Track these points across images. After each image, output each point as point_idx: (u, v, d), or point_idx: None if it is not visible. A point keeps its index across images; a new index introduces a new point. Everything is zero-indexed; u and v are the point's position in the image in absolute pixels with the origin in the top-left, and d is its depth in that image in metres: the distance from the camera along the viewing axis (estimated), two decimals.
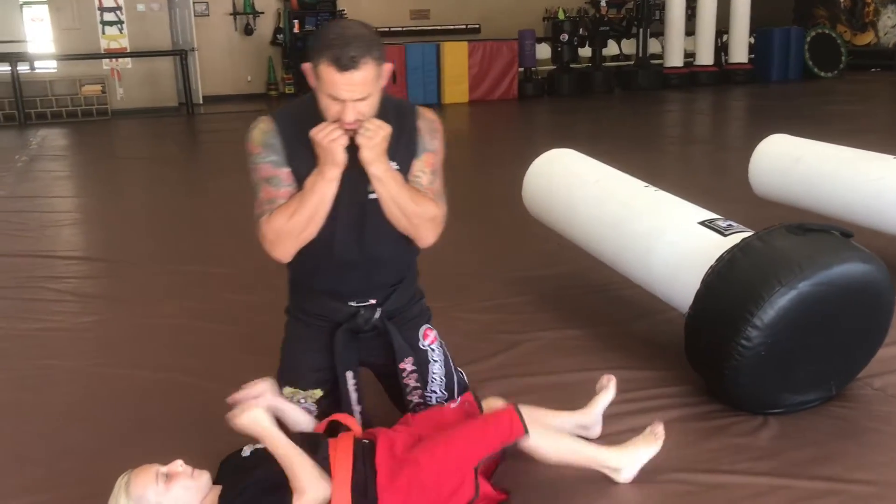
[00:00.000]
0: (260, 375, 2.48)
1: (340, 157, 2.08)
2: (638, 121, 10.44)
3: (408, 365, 2.37)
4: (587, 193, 3.51)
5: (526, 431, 2.12)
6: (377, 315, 2.35)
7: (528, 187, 3.89)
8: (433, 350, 2.44)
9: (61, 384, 3.04)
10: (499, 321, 3.52)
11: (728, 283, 2.63)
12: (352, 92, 2.00)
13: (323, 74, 2.00)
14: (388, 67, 2.09)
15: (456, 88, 12.31)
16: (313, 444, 2.07)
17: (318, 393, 2.36)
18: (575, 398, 2.79)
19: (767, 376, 2.57)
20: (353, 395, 2.34)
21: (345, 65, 1.96)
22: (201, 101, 12.74)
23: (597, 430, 2.52)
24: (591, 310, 3.64)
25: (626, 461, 2.26)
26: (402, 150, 2.24)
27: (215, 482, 2.03)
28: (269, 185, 2.17)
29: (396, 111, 2.23)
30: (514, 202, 4.43)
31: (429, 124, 2.29)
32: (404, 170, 2.25)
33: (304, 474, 1.97)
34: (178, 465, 2.01)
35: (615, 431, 2.58)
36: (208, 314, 3.66)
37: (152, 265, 4.54)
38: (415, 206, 2.21)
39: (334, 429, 2.25)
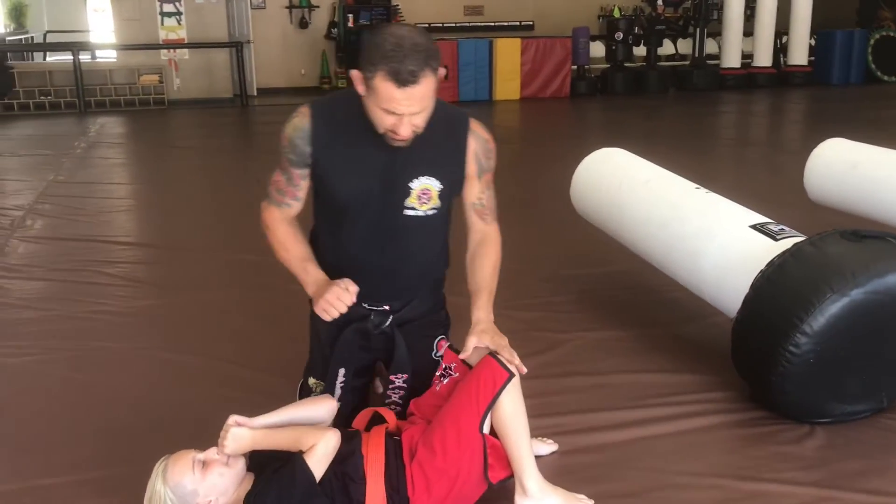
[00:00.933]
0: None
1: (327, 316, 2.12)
2: (692, 122, 10.29)
3: (398, 380, 2.33)
4: (637, 193, 3.47)
5: (510, 373, 2.12)
6: (388, 322, 2.33)
7: (577, 185, 3.87)
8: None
9: (110, 366, 3.11)
10: (542, 319, 3.50)
11: (778, 289, 2.58)
12: (410, 106, 1.94)
13: (379, 88, 1.92)
14: (441, 73, 2.02)
15: (508, 85, 12.26)
16: (347, 438, 2.10)
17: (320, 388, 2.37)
18: (617, 400, 2.78)
19: (815, 385, 2.52)
20: (337, 392, 2.31)
21: (404, 79, 1.88)
22: (255, 93, 12.90)
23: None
24: (636, 311, 3.60)
25: (538, 495, 2.12)
26: (447, 166, 2.21)
27: (249, 469, 2.05)
28: (282, 175, 2.26)
29: (447, 124, 2.17)
30: (562, 200, 4.40)
31: (483, 144, 2.26)
32: (448, 185, 2.22)
33: (308, 438, 2.01)
34: (214, 453, 2.04)
35: (657, 434, 2.56)
36: (256, 303, 3.71)
37: (204, 253, 4.62)
38: (499, 261, 2.36)
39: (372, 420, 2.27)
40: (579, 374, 2.98)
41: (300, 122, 2.17)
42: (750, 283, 2.66)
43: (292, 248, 2.24)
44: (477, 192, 2.28)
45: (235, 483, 1.99)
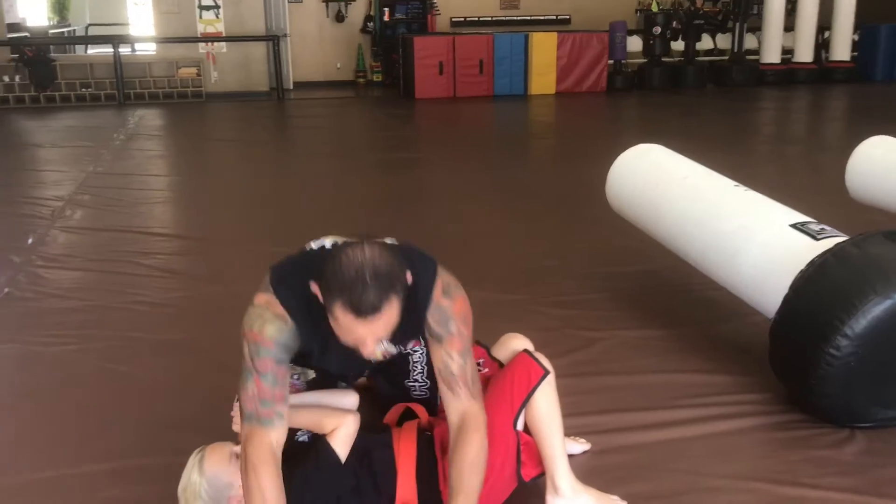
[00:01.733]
0: None
1: None
2: (730, 118, 10.15)
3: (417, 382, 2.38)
4: (674, 190, 3.42)
5: (545, 370, 2.10)
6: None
7: (613, 182, 3.82)
8: (415, 350, 2.35)
9: (147, 356, 3.14)
10: (576, 317, 3.47)
11: (818, 289, 2.53)
12: (373, 334, 1.78)
13: (339, 317, 1.75)
14: (409, 279, 1.82)
15: (543, 80, 12.18)
16: (379, 433, 2.10)
17: (311, 374, 2.34)
18: (651, 400, 2.74)
19: (856, 388, 2.46)
20: None
21: (364, 311, 1.72)
22: (291, 87, 12.98)
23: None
24: (672, 310, 3.55)
25: (570, 494, 2.10)
26: (403, 336, 1.99)
27: None
28: (261, 379, 1.88)
29: (407, 303, 1.85)
30: (597, 197, 4.36)
31: (441, 314, 1.96)
32: (406, 348, 2.16)
33: (330, 421, 2.02)
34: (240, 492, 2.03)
35: (692, 435, 2.53)
36: None
37: (239, 245, 4.65)
38: (483, 462, 1.95)
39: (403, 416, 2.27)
40: (613, 374, 2.95)
41: (283, 324, 1.90)
42: (789, 284, 2.61)
43: (271, 500, 1.83)
44: (442, 355, 1.96)
45: None
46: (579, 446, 2.44)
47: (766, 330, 2.75)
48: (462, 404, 1.95)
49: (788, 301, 2.60)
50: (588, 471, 2.29)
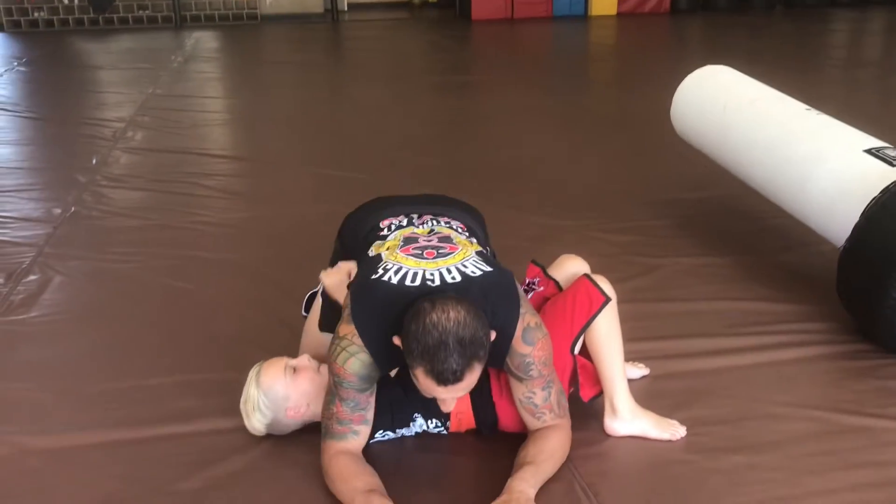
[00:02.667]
0: None
1: None
2: (800, 40, 9.74)
3: None
4: (742, 114, 3.30)
5: (606, 297, 2.09)
6: None
7: (678, 106, 3.71)
8: None
9: (208, 275, 3.20)
10: (637, 243, 3.42)
11: (892, 217, 2.45)
12: (455, 394, 1.80)
13: (420, 379, 1.77)
14: (491, 337, 1.81)
15: (604, 0, 11.80)
16: None
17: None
18: (712, 327, 2.71)
19: None
20: None
21: (446, 379, 1.73)
22: (346, 8, 12.81)
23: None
24: (736, 237, 3.48)
25: (628, 416, 2.12)
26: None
27: None
28: (342, 404, 1.92)
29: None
30: (660, 122, 4.25)
31: (520, 360, 1.92)
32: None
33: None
34: (306, 359, 2.10)
35: (754, 363, 2.50)
36: (344, 216, 3.73)
37: (296, 167, 4.67)
38: (562, 457, 1.99)
39: None
40: (674, 300, 2.91)
41: (366, 358, 1.88)
42: (861, 211, 2.53)
43: (353, 478, 1.87)
44: (524, 391, 1.97)
45: (323, 391, 2.04)
46: (638, 370, 2.43)
47: (833, 259, 2.68)
48: (548, 423, 2.00)
49: (860, 229, 2.52)
50: (647, 395, 2.28)
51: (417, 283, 1.86)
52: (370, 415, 1.97)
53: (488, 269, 1.94)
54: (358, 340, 1.87)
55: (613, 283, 2.17)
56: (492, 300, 1.87)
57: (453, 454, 2.11)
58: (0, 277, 3.16)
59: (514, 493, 1.81)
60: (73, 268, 3.27)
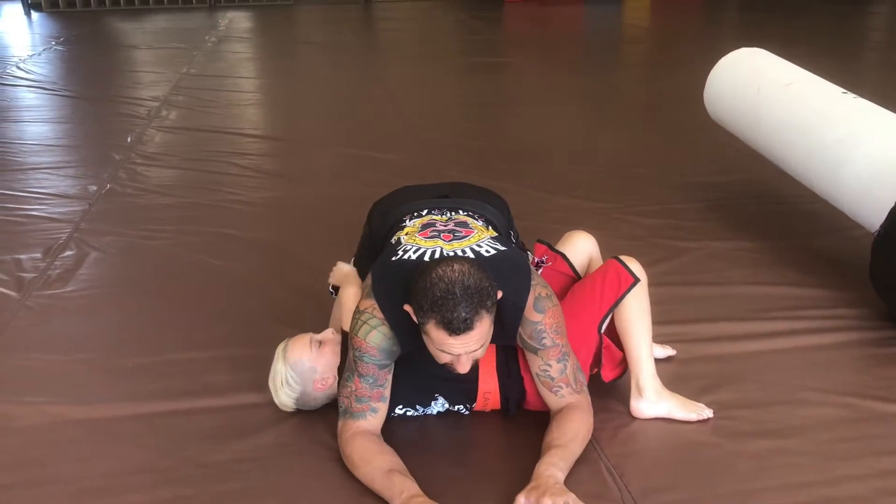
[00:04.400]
0: None
1: None
2: (838, 23, 9.55)
3: None
4: (777, 96, 3.26)
5: (635, 278, 2.10)
6: None
7: (712, 87, 3.67)
8: None
9: (241, 253, 3.24)
10: (666, 226, 3.41)
11: None
12: (466, 347, 1.81)
13: (432, 334, 1.79)
14: (498, 294, 1.84)
15: None
16: None
17: None
18: (741, 311, 2.70)
19: None
20: None
21: (457, 328, 1.75)
22: None
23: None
24: (767, 221, 3.45)
25: (654, 397, 2.12)
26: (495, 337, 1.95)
27: None
28: (361, 380, 1.95)
29: (498, 315, 1.88)
30: (693, 104, 4.21)
31: (532, 328, 1.95)
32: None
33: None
34: (330, 333, 2.14)
35: (783, 348, 2.48)
36: (374, 196, 3.75)
37: (328, 146, 4.69)
38: (586, 436, 1.97)
39: None
40: (703, 284, 2.90)
41: (387, 331, 1.92)
42: None
43: (374, 459, 1.88)
44: (539, 364, 1.99)
45: None
46: (664, 350, 2.43)
47: (866, 244, 2.65)
48: (566, 399, 1.99)
49: (894, 214, 2.49)
50: (674, 378, 2.28)
51: (431, 257, 1.92)
52: (388, 392, 1.99)
53: (502, 248, 2.00)
54: (379, 314, 1.92)
55: (641, 266, 2.17)
56: (503, 275, 1.90)
57: (476, 430, 2.13)
58: (38, 252, 3.22)
59: (543, 478, 1.80)
60: (108, 244, 3.33)
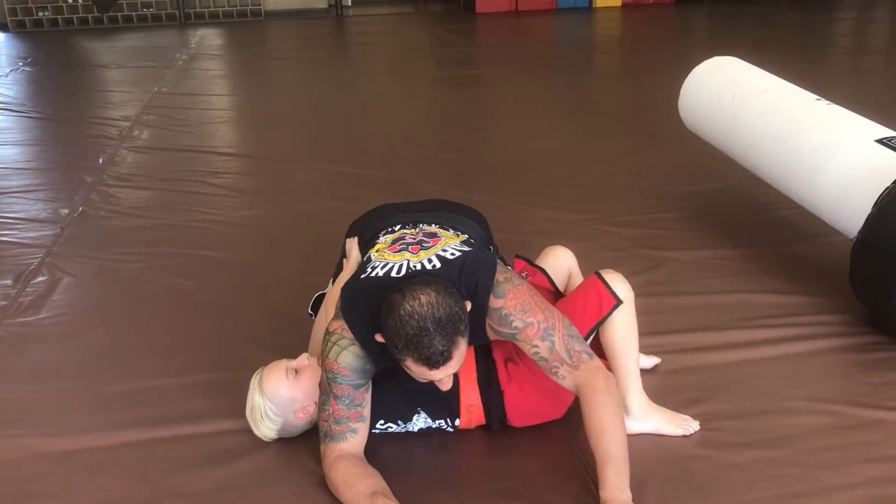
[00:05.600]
0: None
1: None
2: (806, 29, 9.67)
3: None
4: (751, 105, 3.27)
5: (617, 300, 2.05)
6: None
7: (687, 96, 3.68)
8: None
9: (215, 275, 3.19)
10: (646, 236, 3.40)
11: None
12: (447, 372, 1.81)
13: (412, 368, 1.80)
14: (467, 308, 1.83)
15: None
16: None
17: None
18: (724, 320, 2.69)
19: None
20: None
21: (436, 362, 1.75)
22: (350, 3, 12.79)
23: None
24: (746, 229, 3.45)
25: (641, 415, 2.10)
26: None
27: None
28: (337, 402, 1.91)
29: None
30: (668, 113, 4.23)
31: (498, 315, 1.90)
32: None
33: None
34: (305, 358, 2.09)
35: (766, 356, 2.48)
36: (352, 213, 3.72)
37: (303, 164, 4.65)
38: (616, 424, 1.84)
39: None
40: (685, 294, 2.89)
41: (359, 352, 1.90)
42: (873, 202, 2.50)
43: (357, 482, 1.83)
44: (526, 348, 1.92)
45: None
46: (649, 360, 2.42)
47: (845, 250, 2.66)
48: (568, 380, 1.90)
49: (872, 220, 2.50)
50: (660, 390, 2.27)
51: (402, 273, 1.91)
52: (367, 412, 1.95)
53: (467, 249, 2.00)
54: (348, 334, 1.90)
55: (626, 280, 2.14)
56: (465, 274, 1.90)
57: (462, 451, 2.10)
58: (8, 279, 3.16)
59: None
60: (81, 268, 3.26)
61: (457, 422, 2.11)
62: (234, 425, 2.17)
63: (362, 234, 2.25)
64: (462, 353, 1.80)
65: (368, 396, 1.96)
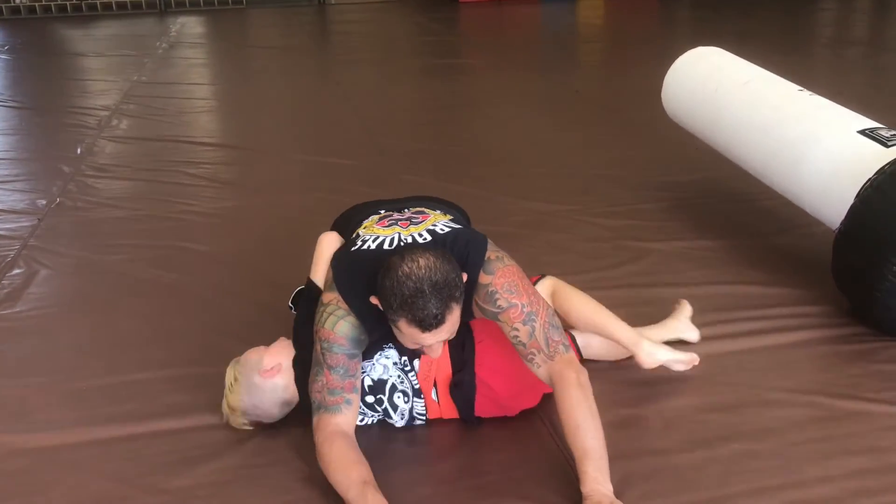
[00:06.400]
0: None
1: None
2: (789, 20, 9.70)
3: None
4: (735, 96, 3.27)
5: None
6: None
7: (670, 87, 3.67)
8: None
9: (195, 266, 3.15)
10: (628, 227, 3.40)
11: (887, 199, 2.43)
12: (438, 338, 1.83)
13: (404, 330, 1.81)
14: (464, 278, 1.85)
15: None
16: None
17: None
18: (706, 312, 2.69)
19: None
20: None
21: (429, 325, 1.77)
22: None
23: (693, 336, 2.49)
24: (728, 220, 3.45)
25: (648, 346, 2.22)
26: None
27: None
28: (331, 372, 1.91)
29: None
30: (650, 103, 4.22)
31: (484, 292, 1.93)
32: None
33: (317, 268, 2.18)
34: (282, 340, 2.13)
35: (749, 348, 2.48)
36: (335, 204, 3.69)
37: (285, 154, 4.61)
38: (590, 416, 1.83)
39: None
40: (667, 285, 2.89)
41: (354, 321, 1.92)
42: (856, 192, 2.50)
43: (351, 468, 1.82)
44: (507, 330, 1.93)
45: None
46: (693, 332, 2.49)
47: (827, 241, 2.66)
48: (543, 369, 1.91)
49: (855, 210, 2.50)
50: (641, 382, 2.27)
51: (393, 246, 1.94)
52: (359, 382, 1.97)
53: (457, 226, 2.03)
54: (343, 304, 1.92)
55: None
56: (457, 248, 1.93)
57: (441, 446, 2.09)
58: None
59: (593, 498, 1.73)
60: (58, 260, 3.22)
61: (417, 365, 2.07)
62: (214, 420, 2.15)
63: (345, 228, 2.24)
64: (455, 319, 1.82)
65: (360, 368, 1.97)
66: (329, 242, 2.21)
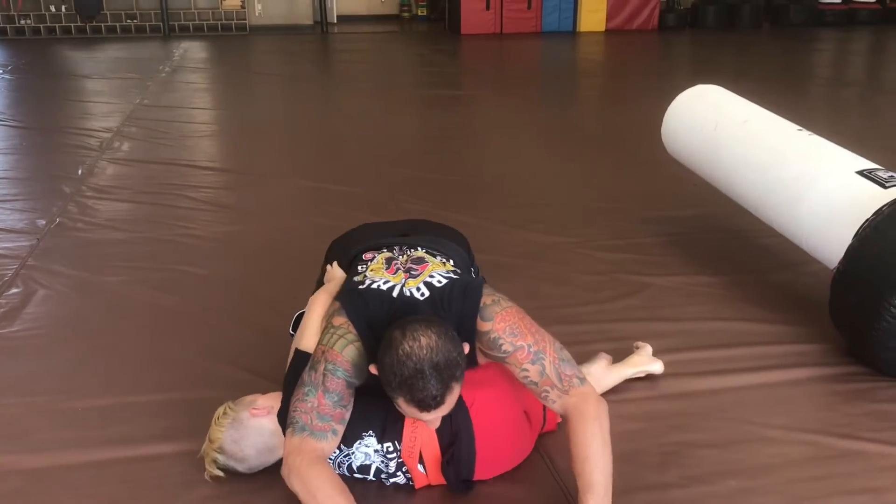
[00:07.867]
0: None
1: None
2: (786, 59, 9.81)
3: None
4: (734, 134, 3.30)
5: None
6: None
7: (670, 123, 3.71)
8: None
9: (194, 289, 3.15)
10: (627, 261, 3.41)
11: (885, 239, 2.45)
12: (438, 415, 1.79)
13: (403, 407, 1.77)
14: (465, 349, 1.81)
15: (593, 16, 11.87)
16: None
17: None
18: (702, 347, 2.70)
19: None
20: None
21: (428, 406, 1.73)
22: (335, 21, 12.81)
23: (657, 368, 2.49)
24: (726, 256, 3.47)
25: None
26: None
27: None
28: (326, 396, 1.84)
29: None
30: (650, 139, 4.25)
31: (487, 338, 1.90)
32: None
33: (309, 331, 2.04)
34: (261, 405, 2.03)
35: (746, 385, 2.48)
36: (334, 230, 3.69)
37: (285, 179, 4.63)
38: (602, 450, 1.83)
39: None
40: (665, 320, 2.89)
41: (360, 347, 1.88)
42: (854, 232, 2.52)
43: (339, 498, 1.75)
44: (516, 371, 1.90)
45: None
46: (656, 366, 2.49)
47: (825, 280, 2.67)
48: (558, 404, 1.88)
49: (852, 250, 2.52)
50: (639, 417, 2.27)
51: (396, 294, 1.92)
52: (347, 417, 1.87)
53: (454, 276, 1.99)
54: (353, 329, 1.88)
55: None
56: (453, 301, 1.90)
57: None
58: None
59: None
60: (56, 281, 3.21)
61: (398, 445, 1.97)
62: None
63: (344, 253, 2.24)
64: (455, 396, 1.77)
65: (351, 404, 1.89)
66: (322, 304, 2.11)
